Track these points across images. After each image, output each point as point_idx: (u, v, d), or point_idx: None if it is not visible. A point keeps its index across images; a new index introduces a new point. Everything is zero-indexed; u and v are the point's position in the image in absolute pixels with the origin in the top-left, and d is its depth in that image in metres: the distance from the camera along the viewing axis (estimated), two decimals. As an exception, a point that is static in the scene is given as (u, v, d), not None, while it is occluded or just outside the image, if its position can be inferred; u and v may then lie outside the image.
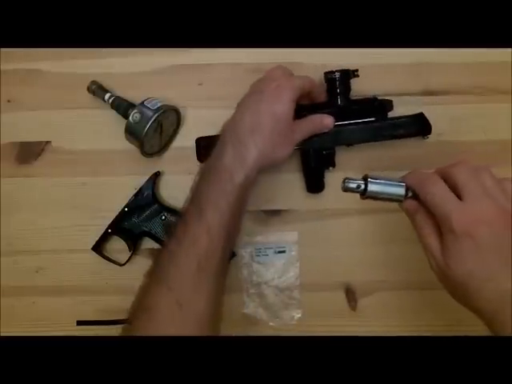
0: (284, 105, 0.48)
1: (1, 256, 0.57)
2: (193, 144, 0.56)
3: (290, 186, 0.58)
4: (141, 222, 0.55)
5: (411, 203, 0.41)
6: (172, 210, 0.55)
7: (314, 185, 0.55)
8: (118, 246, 0.56)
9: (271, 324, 0.55)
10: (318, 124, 0.52)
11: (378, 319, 0.55)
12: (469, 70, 0.59)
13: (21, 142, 0.59)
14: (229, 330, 0.54)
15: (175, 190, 0.58)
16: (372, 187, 0.40)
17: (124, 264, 0.56)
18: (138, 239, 0.56)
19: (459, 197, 0.38)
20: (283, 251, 0.56)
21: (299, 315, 0.55)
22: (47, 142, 0.59)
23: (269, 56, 0.59)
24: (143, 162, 0.57)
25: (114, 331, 0.49)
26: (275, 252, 0.56)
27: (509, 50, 0.58)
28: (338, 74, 0.54)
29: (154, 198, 0.56)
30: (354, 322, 0.55)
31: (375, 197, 0.41)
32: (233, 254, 0.55)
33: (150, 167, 0.58)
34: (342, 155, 0.57)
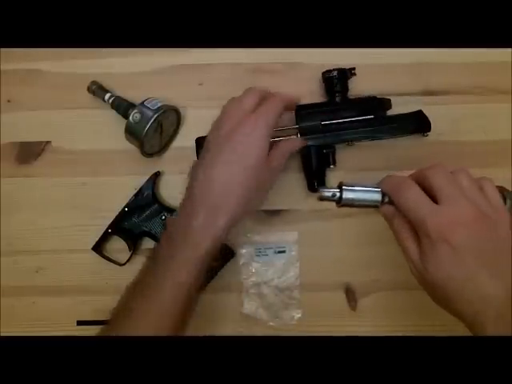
0: (259, 148, 0.45)
1: (1, 256, 0.57)
2: (193, 144, 0.56)
3: (290, 186, 0.57)
4: (141, 221, 0.55)
5: (388, 208, 0.41)
6: (172, 210, 0.55)
7: (315, 184, 0.55)
8: (118, 246, 0.56)
9: (271, 324, 0.55)
10: (290, 147, 0.51)
11: (378, 319, 0.55)
12: (469, 70, 0.59)
13: (21, 142, 0.59)
14: (229, 329, 0.55)
15: (175, 190, 0.57)
16: (347, 195, 0.41)
17: (124, 264, 0.56)
18: (138, 239, 0.56)
19: (435, 200, 0.38)
20: (283, 251, 0.56)
21: (299, 315, 0.55)
22: (47, 142, 0.59)
23: (269, 56, 0.59)
24: (143, 162, 0.57)
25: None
26: (275, 252, 0.56)
27: (509, 50, 0.58)
28: (335, 73, 0.55)
29: (154, 198, 0.56)
30: (354, 321, 0.55)
31: (351, 204, 0.41)
32: (232, 254, 0.55)
33: (150, 167, 0.58)
34: (343, 154, 0.57)
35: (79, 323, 0.55)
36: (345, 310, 0.56)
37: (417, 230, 0.38)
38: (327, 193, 0.41)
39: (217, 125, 0.47)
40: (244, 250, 0.56)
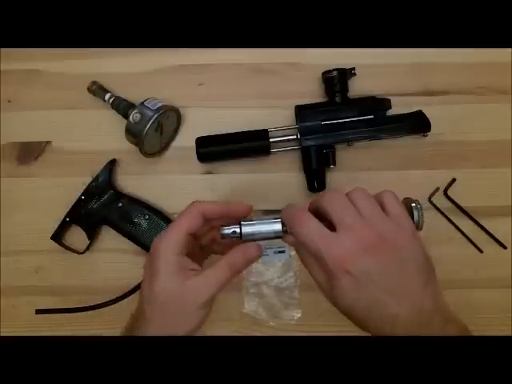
0: (161, 280, 0.38)
1: (1, 256, 0.57)
2: (193, 144, 0.56)
3: (290, 186, 0.58)
4: (98, 209, 0.55)
5: (290, 238, 0.40)
6: (128, 197, 0.56)
7: (315, 184, 0.55)
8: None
9: (271, 324, 0.55)
10: (238, 264, 0.40)
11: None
12: (469, 70, 0.59)
13: (21, 142, 0.59)
14: (229, 330, 0.55)
15: (175, 190, 0.58)
16: (246, 229, 0.40)
17: (83, 252, 0.56)
18: (97, 227, 0.56)
19: (334, 228, 0.36)
20: (283, 251, 0.56)
21: (299, 315, 0.55)
22: (47, 142, 0.59)
23: (269, 56, 0.59)
24: (143, 162, 0.57)
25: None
26: (275, 252, 0.56)
27: (509, 49, 0.58)
28: (335, 73, 0.55)
29: (110, 185, 0.56)
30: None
31: (253, 238, 0.40)
32: None
33: (150, 167, 0.58)
34: (343, 154, 0.57)
35: (38, 312, 0.54)
36: (345, 310, 0.55)
37: (319, 262, 0.37)
38: (227, 230, 0.40)
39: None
40: (244, 250, 0.56)
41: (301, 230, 0.37)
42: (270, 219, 0.41)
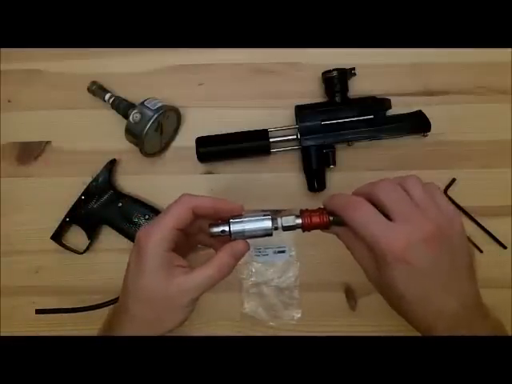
0: (148, 277, 0.38)
1: (1, 256, 0.57)
2: (193, 144, 0.56)
3: (290, 186, 0.58)
4: (98, 209, 0.55)
5: (338, 229, 0.40)
6: (128, 197, 0.56)
7: (315, 184, 0.55)
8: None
9: (271, 324, 0.55)
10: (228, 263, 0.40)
11: (378, 319, 0.55)
12: (469, 69, 0.59)
13: (21, 142, 0.59)
14: (229, 330, 0.55)
15: (175, 190, 0.57)
16: (235, 227, 0.39)
17: (83, 252, 0.56)
18: (97, 227, 0.56)
19: (387, 216, 0.36)
20: (283, 251, 0.56)
21: (299, 315, 0.55)
22: (47, 142, 0.59)
23: (269, 56, 0.59)
24: (143, 162, 0.58)
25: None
26: (275, 252, 0.56)
27: (509, 49, 0.58)
28: (335, 73, 0.55)
29: (110, 185, 0.56)
30: (354, 322, 0.55)
31: (243, 236, 0.40)
32: None
33: (150, 167, 0.58)
34: (343, 154, 0.57)
35: (38, 312, 0.54)
36: (345, 310, 0.56)
37: (371, 249, 0.36)
38: (216, 228, 0.39)
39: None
40: (244, 250, 0.56)
41: (356, 215, 0.36)
42: (260, 216, 0.40)
